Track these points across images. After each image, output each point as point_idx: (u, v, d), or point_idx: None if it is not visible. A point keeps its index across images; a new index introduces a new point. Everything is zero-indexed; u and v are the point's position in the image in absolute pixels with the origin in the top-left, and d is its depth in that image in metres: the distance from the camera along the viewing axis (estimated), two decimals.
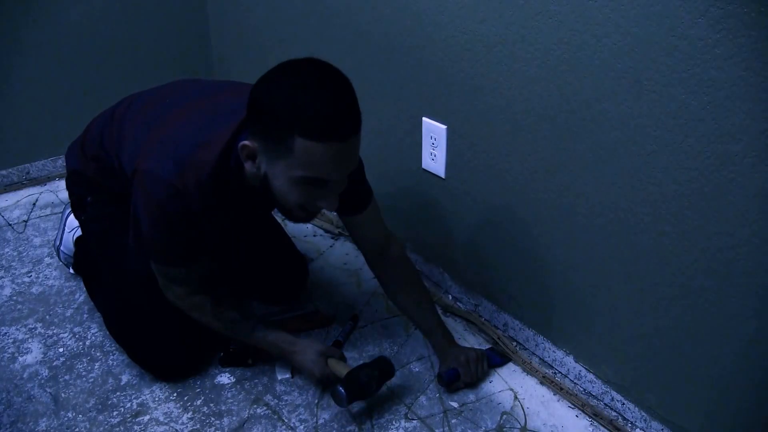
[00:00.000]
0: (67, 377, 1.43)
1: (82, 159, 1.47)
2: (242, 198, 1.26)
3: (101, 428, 1.31)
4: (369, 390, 1.33)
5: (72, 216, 1.69)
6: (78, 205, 1.53)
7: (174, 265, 1.30)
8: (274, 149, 1.08)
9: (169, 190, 1.18)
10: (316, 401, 1.38)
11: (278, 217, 2.00)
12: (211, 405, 1.37)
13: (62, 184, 2.16)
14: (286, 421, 1.34)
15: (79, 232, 1.66)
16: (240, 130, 1.19)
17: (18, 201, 2.09)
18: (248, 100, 1.11)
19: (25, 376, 1.44)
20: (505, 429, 1.33)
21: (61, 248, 1.71)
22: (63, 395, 1.39)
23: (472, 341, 1.55)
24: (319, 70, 1.09)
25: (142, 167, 1.22)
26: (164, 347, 1.41)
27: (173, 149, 1.21)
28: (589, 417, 1.35)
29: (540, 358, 1.48)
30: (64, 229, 1.71)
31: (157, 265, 1.30)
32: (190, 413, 1.35)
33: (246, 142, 1.11)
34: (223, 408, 1.36)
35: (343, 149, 1.08)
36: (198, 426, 1.32)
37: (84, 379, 1.43)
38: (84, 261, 1.64)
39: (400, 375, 1.45)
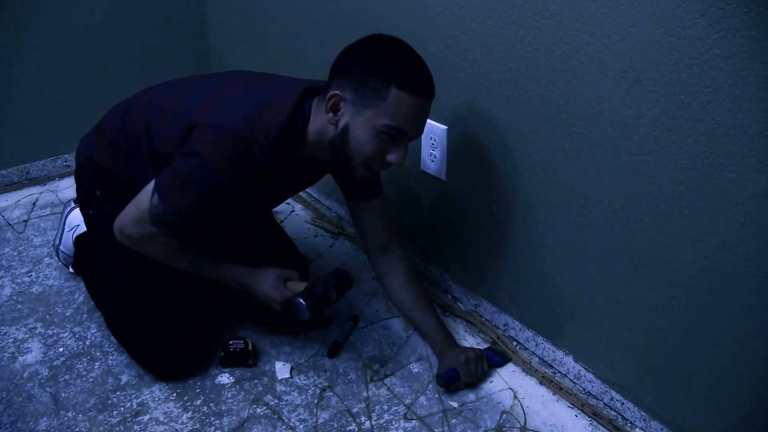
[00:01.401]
0: (67, 377, 1.43)
1: (98, 146, 1.46)
2: (294, 165, 1.33)
3: (101, 428, 1.31)
4: (328, 298, 1.36)
5: (72, 215, 1.69)
6: (86, 199, 1.52)
7: (180, 218, 1.27)
8: (366, 98, 1.19)
9: (238, 142, 1.21)
10: (316, 401, 1.38)
11: (278, 219, 2.00)
12: (211, 405, 1.37)
13: (62, 183, 2.16)
14: (285, 421, 1.34)
15: (78, 231, 1.65)
16: (303, 99, 1.27)
17: (18, 201, 2.09)
18: (336, 61, 1.24)
19: (25, 375, 1.44)
20: (504, 428, 1.33)
21: (61, 248, 1.71)
22: (63, 395, 1.39)
23: (472, 341, 1.55)
24: (408, 44, 1.24)
25: (206, 120, 1.24)
26: (164, 347, 1.41)
27: (239, 106, 1.25)
28: (589, 416, 1.35)
29: (540, 358, 1.49)
30: (63, 228, 1.70)
31: (164, 204, 1.25)
32: (190, 413, 1.35)
33: (336, 92, 1.21)
34: (223, 408, 1.36)
35: (425, 108, 1.24)
36: (198, 426, 1.32)
37: (84, 378, 1.43)
38: (85, 259, 1.64)
39: (400, 375, 1.45)
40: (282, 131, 1.24)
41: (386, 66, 1.18)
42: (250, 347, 1.46)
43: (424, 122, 1.27)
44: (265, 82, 1.36)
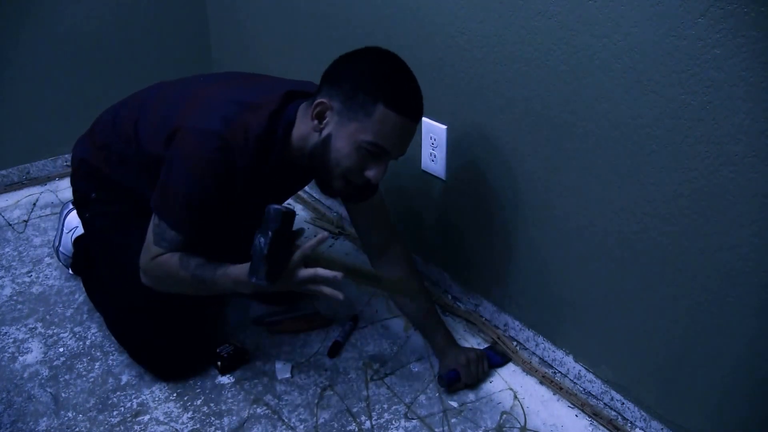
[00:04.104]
0: (67, 377, 1.43)
1: (91, 148, 1.47)
2: (280, 169, 1.31)
3: (101, 428, 1.31)
4: (260, 251, 1.13)
5: (70, 216, 1.69)
6: (82, 201, 1.53)
7: (179, 230, 1.25)
8: (353, 111, 1.18)
9: (218, 143, 1.21)
10: (316, 401, 1.38)
11: None
12: (211, 405, 1.37)
13: (62, 183, 2.16)
14: (286, 420, 1.34)
15: (77, 233, 1.65)
16: (287, 101, 1.27)
17: (18, 201, 2.09)
18: (328, 69, 1.23)
19: (25, 375, 1.44)
20: (504, 429, 1.33)
21: (60, 249, 1.71)
22: (63, 395, 1.39)
23: (472, 341, 1.55)
24: (403, 62, 1.23)
25: (187, 124, 1.24)
26: (164, 347, 1.41)
27: (221, 106, 1.25)
28: (589, 416, 1.35)
29: (540, 358, 1.49)
30: (62, 230, 1.70)
31: (164, 222, 1.26)
32: (190, 413, 1.35)
33: (323, 100, 1.20)
34: (223, 408, 1.36)
35: (410, 129, 1.22)
36: (198, 426, 1.32)
37: (84, 378, 1.43)
38: (83, 260, 1.64)
39: (400, 375, 1.45)
40: (262, 133, 1.24)
41: (377, 82, 1.17)
42: (239, 344, 1.47)
43: (408, 143, 1.24)
44: (249, 83, 1.35)
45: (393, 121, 1.17)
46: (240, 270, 1.23)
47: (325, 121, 1.21)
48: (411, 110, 1.20)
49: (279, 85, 1.31)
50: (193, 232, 1.28)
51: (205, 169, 1.22)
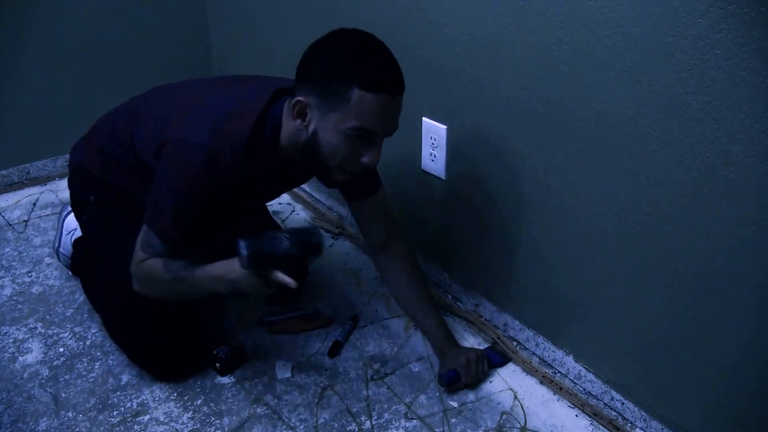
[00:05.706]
0: (67, 377, 1.43)
1: (88, 152, 1.47)
2: (275, 168, 1.31)
3: (101, 428, 1.31)
4: (276, 248, 1.17)
5: (69, 218, 1.69)
6: (79, 204, 1.53)
7: (166, 241, 1.27)
8: (330, 102, 1.15)
9: (205, 156, 1.21)
10: (316, 401, 1.38)
11: (277, 219, 2.00)
12: (211, 405, 1.37)
13: (63, 183, 2.16)
14: (286, 420, 1.34)
15: (76, 235, 1.65)
16: (272, 103, 1.26)
17: (18, 201, 2.09)
18: (300, 63, 1.20)
19: (25, 375, 1.44)
20: (505, 429, 1.33)
21: (60, 250, 1.71)
22: (63, 395, 1.39)
23: (472, 341, 1.55)
24: (372, 36, 1.19)
25: (175, 136, 1.24)
26: (163, 347, 1.41)
27: (207, 117, 1.25)
28: (589, 416, 1.35)
29: (540, 358, 1.49)
30: (62, 232, 1.70)
31: (152, 233, 1.27)
32: (191, 413, 1.35)
33: (299, 98, 1.18)
34: (223, 408, 1.36)
35: (392, 105, 1.18)
36: (198, 426, 1.32)
37: (84, 378, 1.43)
38: (82, 262, 1.64)
39: (400, 375, 1.45)
40: (248, 141, 1.23)
41: (346, 67, 1.14)
42: (235, 344, 1.47)
43: (395, 118, 1.21)
44: (236, 88, 1.34)
45: (372, 102, 1.13)
46: (219, 268, 1.24)
47: (307, 118, 1.19)
48: (388, 86, 1.15)
49: (266, 87, 1.29)
50: (179, 242, 1.29)
51: (191, 183, 1.23)
